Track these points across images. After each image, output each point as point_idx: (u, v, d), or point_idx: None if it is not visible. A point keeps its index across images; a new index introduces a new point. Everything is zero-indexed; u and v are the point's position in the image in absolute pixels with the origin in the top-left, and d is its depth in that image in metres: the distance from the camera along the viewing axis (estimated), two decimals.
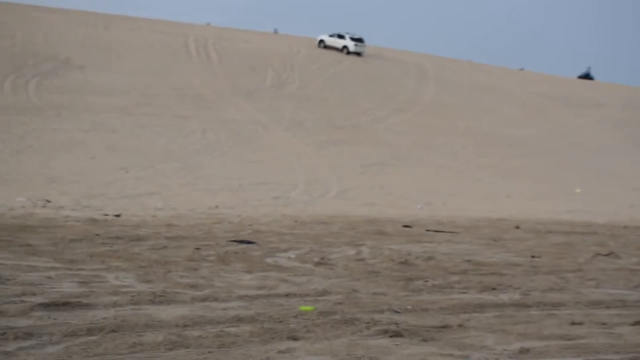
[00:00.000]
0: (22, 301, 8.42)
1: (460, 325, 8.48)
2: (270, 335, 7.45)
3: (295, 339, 7.42)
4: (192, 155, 35.10)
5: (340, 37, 75.72)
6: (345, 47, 74.93)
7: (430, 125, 52.96)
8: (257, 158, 36.60)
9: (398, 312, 9.09)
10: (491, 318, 9.11)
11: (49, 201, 20.70)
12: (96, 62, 52.65)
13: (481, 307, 9.82)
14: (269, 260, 13.31)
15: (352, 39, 75.21)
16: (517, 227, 22.61)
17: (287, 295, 9.90)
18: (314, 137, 43.78)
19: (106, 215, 18.87)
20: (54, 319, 7.68)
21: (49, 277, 10.16)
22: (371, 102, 56.78)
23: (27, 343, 6.69)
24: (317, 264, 13.18)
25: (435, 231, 20.12)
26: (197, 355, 6.62)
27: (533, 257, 15.80)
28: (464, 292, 10.95)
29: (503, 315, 9.32)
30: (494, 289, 11.36)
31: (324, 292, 10.26)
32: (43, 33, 56.73)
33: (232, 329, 7.65)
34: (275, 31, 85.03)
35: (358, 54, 74.81)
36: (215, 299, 9.28)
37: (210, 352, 6.73)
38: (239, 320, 8.09)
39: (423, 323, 8.49)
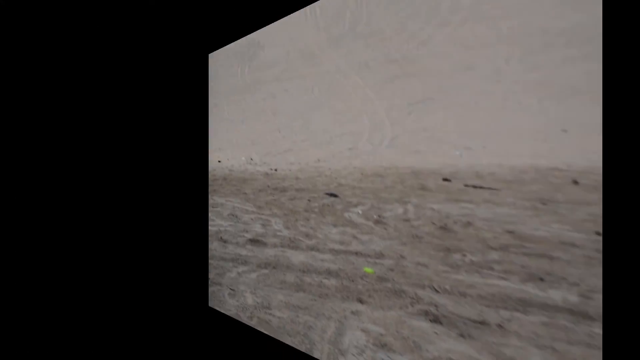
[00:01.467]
0: (243, 236, 10.63)
1: (499, 326, 7.52)
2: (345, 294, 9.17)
3: (361, 301, 8.90)
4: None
5: None
6: None
7: (470, 36, 50.65)
8: (340, 108, 36.53)
9: (437, 292, 9.02)
10: (538, 326, 7.32)
11: (252, 159, 21.97)
12: None
13: (524, 305, 8.53)
14: (346, 215, 14.20)
15: None
16: (576, 182, 20.89)
17: (356, 253, 11.04)
18: (376, 76, 43.10)
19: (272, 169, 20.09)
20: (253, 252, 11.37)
21: (252, 219, 11.95)
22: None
23: (243, 268, 9.90)
24: (376, 222, 14.19)
25: (474, 187, 19.90)
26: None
27: (598, 233, 12.83)
28: (504, 279, 10.85)
29: (553, 325, 7.18)
30: (541, 279, 10.14)
31: (380, 255, 11.63)
32: None
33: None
34: None
35: None
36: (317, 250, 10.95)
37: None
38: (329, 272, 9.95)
39: (461, 312, 8.59)
